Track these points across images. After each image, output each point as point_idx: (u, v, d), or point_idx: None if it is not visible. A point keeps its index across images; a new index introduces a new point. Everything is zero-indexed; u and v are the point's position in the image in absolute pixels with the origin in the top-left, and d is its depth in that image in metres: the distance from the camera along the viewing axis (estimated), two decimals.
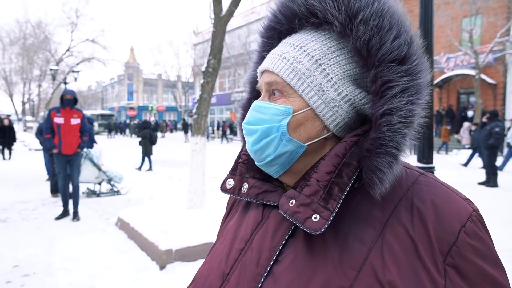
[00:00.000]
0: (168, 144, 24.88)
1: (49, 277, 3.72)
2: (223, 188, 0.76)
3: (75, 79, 22.07)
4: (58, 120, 5.59)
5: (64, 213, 5.89)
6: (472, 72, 18.11)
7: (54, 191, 7.50)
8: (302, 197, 0.62)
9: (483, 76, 17.94)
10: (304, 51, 0.65)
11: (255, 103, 0.69)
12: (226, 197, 0.92)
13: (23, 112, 37.20)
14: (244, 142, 0.80)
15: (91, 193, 7.67)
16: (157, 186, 9.06)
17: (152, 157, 11.82)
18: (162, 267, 3.86)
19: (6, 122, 14.90)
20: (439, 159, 13.53)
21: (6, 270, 3.89)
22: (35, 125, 25.68)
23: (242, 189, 0.73)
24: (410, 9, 17.39)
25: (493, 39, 17.05)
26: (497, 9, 17.70)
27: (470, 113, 19.02)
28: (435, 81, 19.58)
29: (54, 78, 22.03)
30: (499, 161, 10.10)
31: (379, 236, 0.59)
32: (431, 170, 3.67)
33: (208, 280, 0.69)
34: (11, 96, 34.30)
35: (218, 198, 6.48)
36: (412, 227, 0.58)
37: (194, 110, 5.40)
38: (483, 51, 17.64)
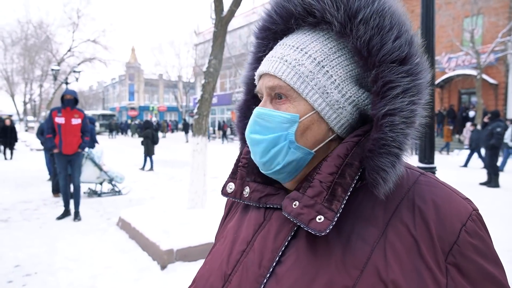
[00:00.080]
0: (169, 144, 24.90)
1: (51, 277, 3.73)
2: (224, 192, 0.75)
3: (77, 79, 22.20)
4: (59, 120, 5.61)
5: (66, 213, 5.91)
6: (473, 72, 18.07)
7: (56, 191, 7.50)
8: (306, 199, 0.62)
9: (484, 76, 17.90)
10: (306, 53, 0.64)
11: (258, 110, 0.67)
12: None
13: (25, 112, 37.22)
14: (243, 145, 0.79)
15: (93, 193, 7.68)
16: (158, 186, 9.07)
17: (153, 157, 11.86)
18: (163, 267, 3.86)
19: (7, 122, 14.98)
20: (440, 159, 13.50)
21: (8, 270, 3.90)
22: (36, 125, 25.76)
23: (244, 193, 0.72)
24: (411, 9, 17.39)
25: (494, 39, 17.02)
26: (499, 9, 17.68)
27: (471, 113, 18.99)
28: (437, 81, 19.52)
29: (55, 78, 22.11)
30: (498, 161, 10.07)
31: (382, 235, 0.59)
32: (433, 170, 3.65)
33: (209, 281, 0.68)
34: (12, 96, 34.33)
35: (219, 198, 6.47)
36: (414, 227, 0.58)
37: (195, 110, 5.41)
38: (485, 51, 17.61)
